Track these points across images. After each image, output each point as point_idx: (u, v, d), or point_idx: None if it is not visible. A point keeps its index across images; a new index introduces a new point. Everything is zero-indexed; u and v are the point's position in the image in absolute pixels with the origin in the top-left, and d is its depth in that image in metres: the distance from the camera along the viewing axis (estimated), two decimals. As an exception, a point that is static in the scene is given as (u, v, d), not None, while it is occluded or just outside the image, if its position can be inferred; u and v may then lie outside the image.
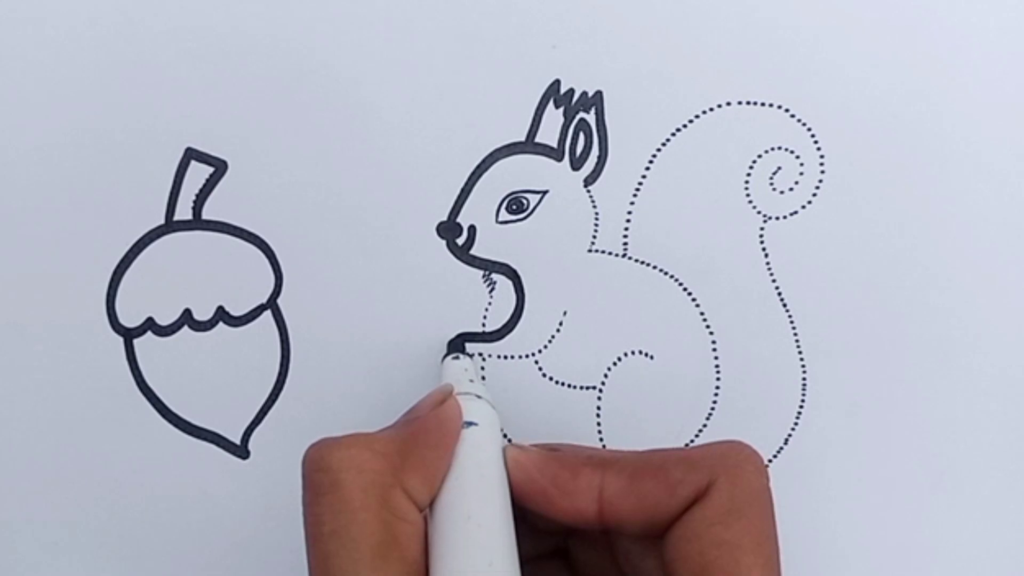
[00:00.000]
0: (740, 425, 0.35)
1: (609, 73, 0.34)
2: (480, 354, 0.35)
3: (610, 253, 0.35)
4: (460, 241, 0.35)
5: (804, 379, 0.35)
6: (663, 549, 0.26)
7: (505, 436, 0.34)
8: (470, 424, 0.27)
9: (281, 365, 0.35)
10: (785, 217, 0.35)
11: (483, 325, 0.35)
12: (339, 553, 0.23)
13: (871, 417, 0.35)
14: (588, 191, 0.35)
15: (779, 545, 0.25)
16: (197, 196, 0.34)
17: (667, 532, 0.26)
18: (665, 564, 0.26)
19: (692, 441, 0.35)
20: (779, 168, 0.35)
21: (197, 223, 0.34)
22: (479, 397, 0.29)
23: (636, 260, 0.35)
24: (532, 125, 0.35)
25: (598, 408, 0.35)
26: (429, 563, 0.25)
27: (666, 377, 0.35)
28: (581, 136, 0.35)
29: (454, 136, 0.34)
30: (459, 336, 0.35)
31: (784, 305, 0.35)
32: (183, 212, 0.34)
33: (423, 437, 0.26)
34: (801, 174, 0.35)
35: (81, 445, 0.35)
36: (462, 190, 0.35)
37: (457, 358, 0.33)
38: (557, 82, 0.34)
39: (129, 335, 0.35)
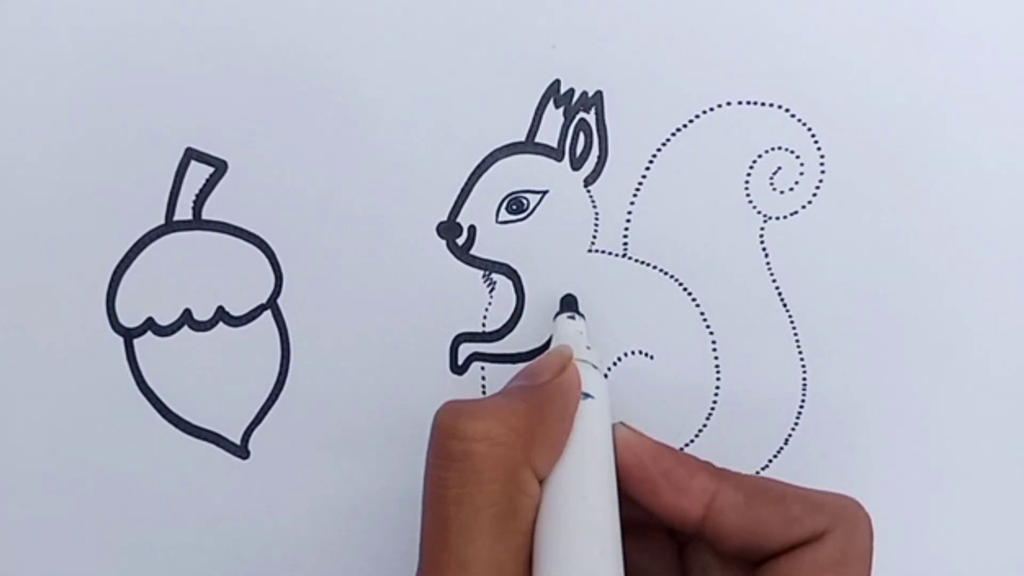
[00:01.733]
0: (740, 425, 0.35)
1: (609, 73, 0.34)
2: (582, 315, 0.33)
3: (610, 253, 0.35)
4: (460, 241, 0.35)
5: (804, 379, 0.35)
6: None
7: None
8: (587, 396, 0.27)
9: (281, 365, 0.35)
10: (785, 217, 0.35)
11: (483, 325, 0.35)
12: (458, 517, 0.24)
13: (871, 417, 0.35)
14: (588, 191, 0.35)
15: None
16: (197, 196, 0.34)
17: (768, 563, 0.26)
18: None
19: (692, 441, 0.35)
20: (779, 168, 0.35)
21: (197, 223, 0.34)
22: (595, 367, 0.29)
23: (636, 260, 0.35)
24: (532, 125, 0.35)
25: (598, 408, 0.35)
26: (537, 534, 0.25)
27: (666, 377, 0.35)
28: (581, 136, 0.35)
29: (454, 136, 0.34)
30: (569, 296, 0.34)
31: (784, 305, 0.35)
32: (183, 212, 0.34)
33: (548, 410, 0.26)
34: (801, 174, 0.35)
35: (81, 445, 0.35)
36: (462, 190, 0.35)
37: (572, 318, 0.33)
38: (557, 82, 0.34)
39: (129, 335, 0.35)
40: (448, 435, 0.25)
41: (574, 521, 0.25)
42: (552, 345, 0.31)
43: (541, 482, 0.26)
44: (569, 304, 0.34)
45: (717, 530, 0.26)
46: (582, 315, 0.33)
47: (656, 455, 0.27)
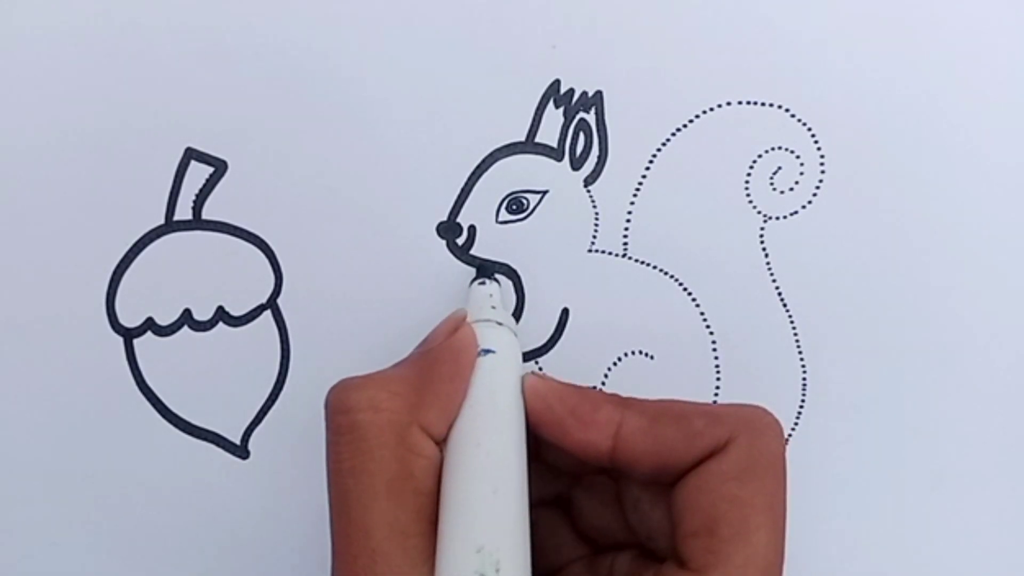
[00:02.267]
0: (740, 425, 0.35)
1: (609, 73, 0.34)
2: (495, 280, 0.34)
3: (610, 253, 0.35)
4: (460, 241, 0.35)
5: (804, 379, 0.35)
6: (673, 498, 0.26)
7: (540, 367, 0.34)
8: (487, 352, 0.27)
9: (281, 365, 0.35)
10: (785, 217, 0.35)
11: (483, 325, 0.35)
12: (356, 488, 0.25)
13: (871, 417, 0.35)
14: (588, 191, 0.35)
15: (787, 513, 0.26)
16: (197, 196, 0.34)
17: (679, 481, 0.26)
18: (673, 513, 0.26)
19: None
20: (779, 168, 0.35)
21: (197, 223, 0.34)
22: (499, 324, 0.29)
23: (636, 260, 0.35)
24: (532, 125, 0.35)
25: (598, 408, 0.35)
26: (441, 492, 0.25)
27: (666, 377, 0.35)
28: (581, 136, 0.35)
29: (454, 136, 0.34)
30: (484, 263, 0.34)
31: (784, 305, 0.35)
32: (183, 212, 0.34)
33: (437, 369, 0.27)
34: (801, 174, 0.35)
35: (81, 445, 0.35)
36: (462, 190, 0.35)
37: (483, 283, 0.33)
38: (557, 82, 0.34)
39: (129, 335, 0.35)
40: (336, 410, 0.26)
41: (466, 467, 0.25)
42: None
43: (442, 443, 0.26)
44: (484, 270, 0.34)
45: (627, 457, 0.26)
46: (496, 280, 0.34)
47: (562, 395, 0.27)
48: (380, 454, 0.25)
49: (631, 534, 0.29)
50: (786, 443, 0.26)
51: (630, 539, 0.29)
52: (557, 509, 0.30)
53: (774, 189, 0.35)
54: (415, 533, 0.24)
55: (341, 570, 0.24)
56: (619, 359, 0.35)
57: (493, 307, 0.31)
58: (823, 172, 0.35)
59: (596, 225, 0.35)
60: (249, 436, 0.35)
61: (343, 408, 0.26)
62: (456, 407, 0.27)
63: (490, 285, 0.33)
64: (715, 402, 0.35)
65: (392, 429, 0.25)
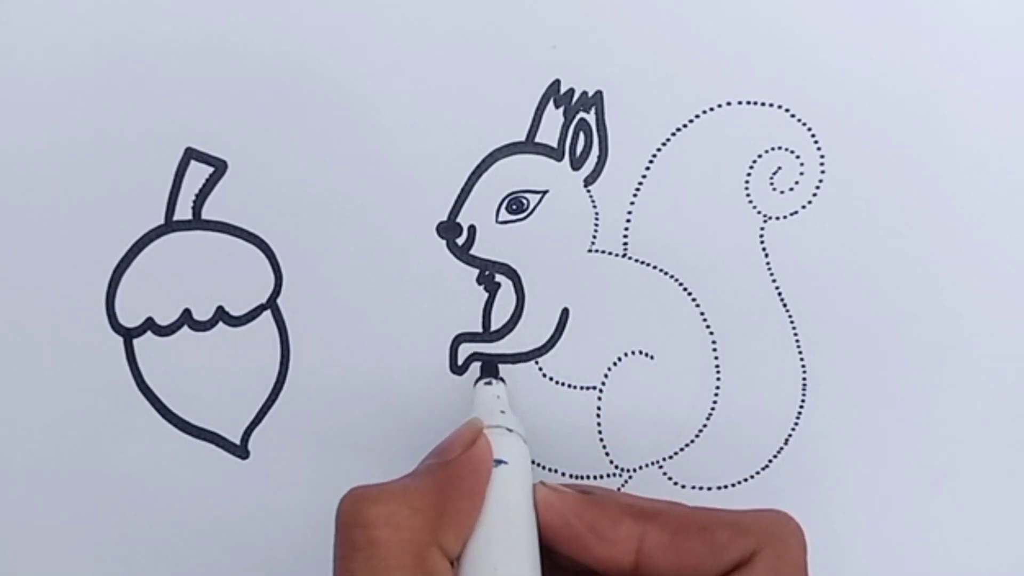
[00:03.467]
0: (740, 425, 0.35)
1: (609, 73, 0.34)
2: (501, 379, 0.33)
3: (610, 253, 0.35)
4: (460, 241, 0.35)
5: (804, 379, 0.35)
6: None
7: (535, 463, 0.34)
8: (500, 463, 0.27)
9: (281, 365, 0.35)
10: (785, 217, 0.35)
11: (483, 325, 0.35)
12: None
13: (871, 417, 0.35)
14: (588, 191, 0.35)
15: None
16: (197, 196, 0.34)
17: None
18: None
19: (692, 441, 0.35)
20: (779, 168, 0.35)
21: (197, 223, 0.34)
22: (510, 431, 0.28)
23: (636, 260, 0.35)
24: (532, 125, 0.35)
25: (598, 408, 0.35)
26: None
27: (666, 377, 0.35)
28: (581, 136, 0.35)
29: (454, 136, 0.34)
30: (487, 362, 0.34)
31: (784, 305, 0.35)
32: (183, 212, 0.34)
33: (456, 485, 0.26)
34: (801, 174, 0.35)
35: (81, 445, 0.35)
36: (462, 190, 0.34)
37: (489, 383, 0.33)
38: (557, 82, 0.34)
39: (129, 335, 0.35)
40: (351, 523, 0.24)
41: None
42: (471, 412, 0.30)
43: (454, 561, 0.25)
44: (487, 370, 0.34)
45: (651, 573, 0.26)
46: (501, 379, 0.33)
47: (578, 510, 0.27)
48: (398, 575, 0.24)
49: None
50: (806, 553, 0.26)
51: None
52: None
53: (774, 189, 0.35)
54: None
55: None
56: (619, 359, 0.35)
57: (503, 411, 0.30)
58: (823, 172, 0.35)
59: (596, 225, 0.35)
60: (249, 436, 0.35)
61: (360, 522, 0.24)
62: (472, 524, 0.26)
63: (496, 386, 0.32)
64: (715, 403, 0.35)
65: (412, 550, 0.24)
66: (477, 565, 0.25)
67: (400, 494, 0.25)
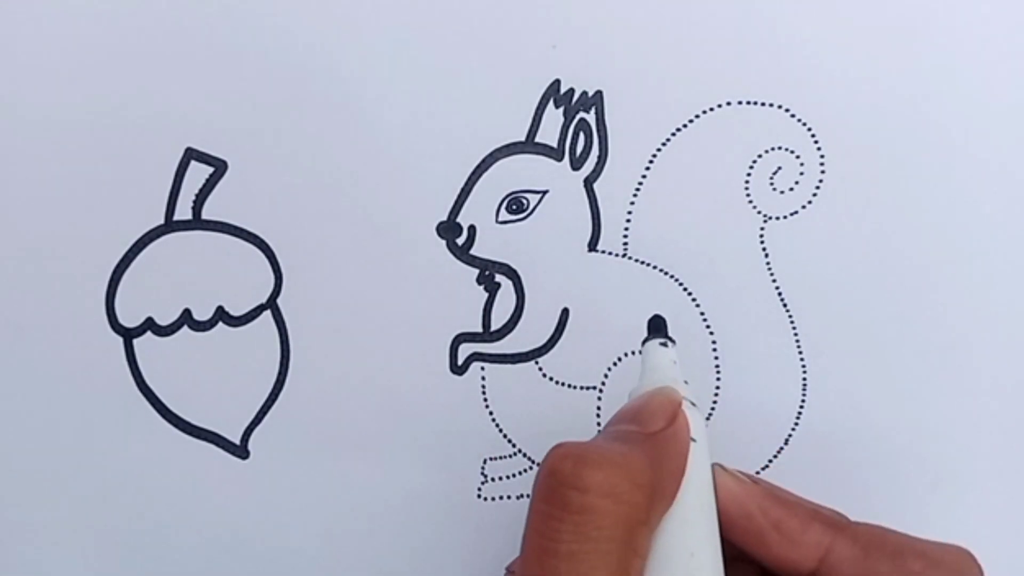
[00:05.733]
0: (740, 425, 0.35)
1: (609, 73, 0.34)
2: (673, 340, 0.30)
3: (610, 253, 0.35)
4: (460, 241, 0.35)
5: (804, 379, 0.35)
6: None
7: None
8: (691, 440, 0.25)
9: (281, 365, 0.35)
10: (785, 217, 0.35)
11: (483, 325, 0.35)
12: (567, 575, 0.22)
13: (871, 417, 0.35)
14: (588, 191, 0.35)
15: None
16: (197, 196, 0.34)
17: None
18: None
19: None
20: (779, 168, 0.35)
21: (197, 223, 0.34)
22: (693, 404, 0.27)
23: (636, 260, 0.35)
24: (532, 125, 0.35)
25: (598, 408, 0.35)
26: None
27: (666, 377, 0.35)
28: (581, 136, 0.35)
29: (454, 136, 0.34)
30: (658, 318, 0.32)
31: (784, 305, 0.35)
32: (183, 212, 0.34)
33: (667, 464, 0.25)
34: (801, 174, 0.35)
35: (81, 445, 0.35)
36: (462, 190, 0.34)
37: (664, 344, 0.29)
38: (557, 82, 0.34)
39: (129, 335, 0.35)
40: (567, 484, 0.23)
41: None
42: (642, 375, 0.28)
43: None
44: (658, 327, 0.32)
45: None
46: (673, 340, 0.30)
47: (764, 505, 0.26)
48: (607, 548, 0.22)
49: None
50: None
51: None
52: None
53: (774, 189, 0.35)
54: None
55: None
56: (619, 359, 0.35)
57: (686, 381, 0.28)
58: (823, 172, 0.35)
59: (596, 225, 0.35)
60: (249, 436, 0.35)
61: (579, 485, 0.22)
62: (671, 504, 0.24)
63: (671, 349, 0.29)
64: (714, 403, 0.35)
65: (627, 524, 0.23)
66: (674, 550, 0.24)
67: (622, 464, 0.23)
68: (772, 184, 0.35)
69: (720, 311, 0.35)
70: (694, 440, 0.25)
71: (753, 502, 0.26)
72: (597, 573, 0.22)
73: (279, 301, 0.35)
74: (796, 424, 0.35)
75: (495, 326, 0.35)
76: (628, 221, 0.35)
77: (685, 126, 0.35)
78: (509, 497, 0.35)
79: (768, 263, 0.35)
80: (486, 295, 0.35)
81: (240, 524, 0.35)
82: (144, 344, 0.35)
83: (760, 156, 0.35)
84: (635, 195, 0.35)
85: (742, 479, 0.26)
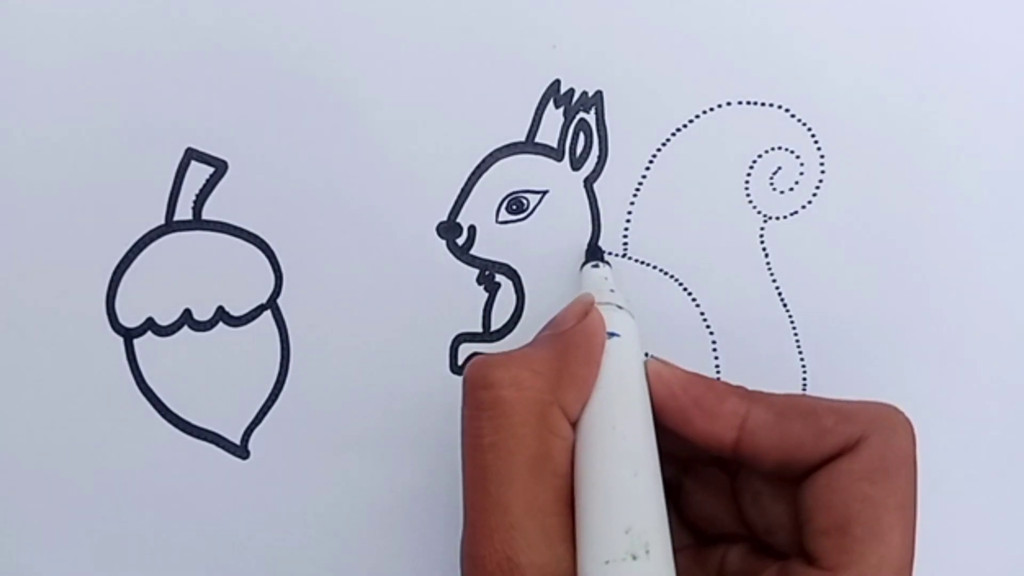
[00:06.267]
0: (740, 425, 0.35)
1: (609, 73, 0.34)
2: (607, 263, 0.34)
3: (610, 253, 0.35)
4: (460, 241, 0.35)
5: (804, 379, 0.35)
6: (800, 494, 0.26)
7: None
8: (612, 335, 0.28)
9: (281, 365, 0.35)
10: (785, 217, 0.35)
11: (483, 325, 0.35)
12: (495, 464, 0.25)
13: (871, 417, 0.35)
14: (588, 191, 0.35)
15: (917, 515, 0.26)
16: (197, 196, 0.34)
17: (807, 478, 0.26)
18: (801, 510, 0.26)
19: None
20: (779, 168, 0.35)
21: (197, 223, 0.34)
22: (620, 308, 0.29)
23: (636, 260, 0.35)
24: (532, 125, 0.35)
25: (598, 408, 0.35)
26: (575, 473, 0.25)
27: (666, 377, 0.35)
28: (581, 136, 0.35)
29: (454, 136, 0.34)
30: (594, 246, 0.34)
31: (784, 305, 0.35)
32: (183, 212, 0.34)
33: (573, 352, 0.27)
34: (801, 174, 0.35)
35: (81, 445, 0.35)
36: (462, 190, 0.35)
37: (596, 266, 0.33)
38: (557, 82, 0.34)
39: (129, 335, 0.35)
40: (478, 385, 0.26)
41: (604, 450, 0.25)
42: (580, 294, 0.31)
43: (574, 425, 0.26)
44: (593, 253, 0.34)
45: (752, 450, 0.26)
46: (607, 263, 0.34)
47: (687, 384, 0.27)
48: (522, 432, 0.25)
49: (743, 527, 0.29)
50: (916, 446, 0.26)
51: (741, 531, 0.29)
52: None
53: (774, 189, 0.35)
54: (553, 512, 0.24)
55: (476, 543, 0.24)
56: (619, 359, 0.35)
57: (612, 290, 0.31)
58: (823, 172, 0.35)
59: (596, 225, 0.35)
60: (249, 436, 0.35)
61: (486, 383, 0.25)
62: (589, 390, 0.27)
63: (603, 268, 0.33)
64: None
65: (534, 408, 0.25)
66: (596, 423, 0.26)
67: (521, 359, 0.26)
68: (772, 184, 0.35)
69: (720, 311, 0.35)
70: (617, 335, 0.28)
71: (677, 383, 0.27)
72: (518, 456, 0.24)
73: (279, 301, 0.35)
74: (796, 424, 0.35)
75: (495, 326, 0.35)
76: (628, 221, 0.35)
77: (685, 126, 0.35)
78: (509, 497, 0.35)
79: (768, 263, 0.35)
80: (486, 295, 0.35)
81: (240, 524, 0.35)
82: (144, 344, 0.35)
83: (760, 156, 0.35)
84: (635, 195, 0.35)
85: (672, 364, 0.28)
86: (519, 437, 0.25)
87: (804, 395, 0.28)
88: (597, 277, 0.32)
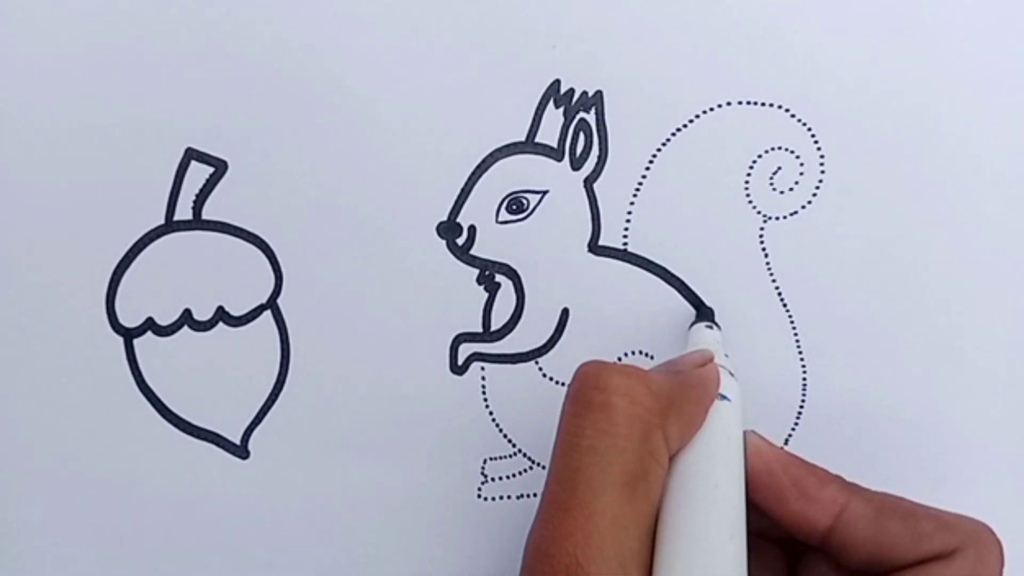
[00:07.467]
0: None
1: (609, 73, 0.34)
2: (718, 325, 0.34)
3: (610, 252, 0.35)
4: (460, 241, 0.35)
5: (804, 379, 0.35)
6: None
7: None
8: (724, 398, 0.28)
9: (281, 365, 0.35)
10: (785, 217, 0.35)
11: (483, 325, 0.35)
12: (591, 468, 0.24)
13: (871, 417, 0.35)
14: (588, 191, 0.35)
15: None
16: (197, 196, 0.34)
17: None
18: None
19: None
20: (779, 168, 0.35)
21: (197, 223, 0.34)
22: (731, 374, 0.29)
23: (636, 260, 0.35)
24: (532, 125, 0.35)
25: (598, 408, 0.35)
26: (663, 515, 0.25)
27: (666, 377, 0.35)
28: (581, 136, 0.35)
29: (454, 136, 0.34)
30: (706, 307, 0.34)
31: (784, 305, 0.35)
32: (183, 212, 0.34)
33: (687, 391, 0.26)
34: (801, 174, 0.35)
35: (81, 445, 0.35)
36: (462, 190, 0.35)
37: (710, 327, 0.33)
38: (557, 82, 0.34)
39: (129, 335, 0.35)
40: (591, 385, 0.25)
41: (705, 504, 0.25)
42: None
43: (671, 459, 0.26)
44: (706, 314, 0.34)
45: (844, 541, 0.26)
46: (718, 325, 0.34)
47: (786, 463, 0.27)
48: (624, 444, 0.24)
49: None
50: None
51: None
52: None
53: (774, 189, 0.35)
54: (635, 536, 0.24)
55: (550, 540, 0.23)
56: (619, 359, 0.35)
57: (726, 355, 0.31)
58: (823, 172, 0.35)
59: (596, 225, 0.35)
60: (249, 436, 0.35)
61: (600, 385, 0.25)
62: (691, 434, 0.26)
63: (716, 331, 0.33)
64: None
65: (642, 426, 0.25)
66: (697, 476, 0.25)
67: (638, 373, 0.26)
68: (772, 184, 0.35)
69: (720, 311, 0.35)
70: (727, 399, 0.28)
71: (777, 460, 0.27)
72: (616, 467, 0.24)
73: (279, 301, 0.35)
74: (796, 424, 0.35)
75: (495, 326, 0.35)
76: (628, 221, 0.35)
77: (685, 126, 0.35)
78: (509, 497, 0.35)
79: (768, 263, 0.35)
80: (486, 295, 0.35)
81: (240, 524, 0.35)
82: (144, 344, 0.35)
83: (760, 156, 0.35)
84: (635, 195, 0.35)
85: (769, 441, 0.28)
86: (620, 449, 0.24)
87: (902, 498, 0.27)
88: (711, 339, 0.32)
